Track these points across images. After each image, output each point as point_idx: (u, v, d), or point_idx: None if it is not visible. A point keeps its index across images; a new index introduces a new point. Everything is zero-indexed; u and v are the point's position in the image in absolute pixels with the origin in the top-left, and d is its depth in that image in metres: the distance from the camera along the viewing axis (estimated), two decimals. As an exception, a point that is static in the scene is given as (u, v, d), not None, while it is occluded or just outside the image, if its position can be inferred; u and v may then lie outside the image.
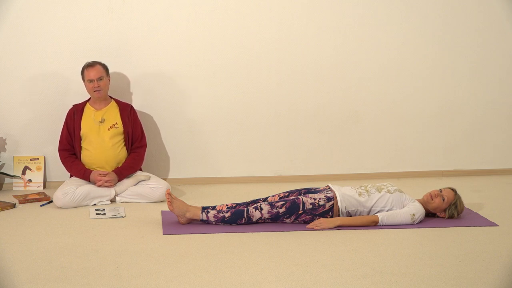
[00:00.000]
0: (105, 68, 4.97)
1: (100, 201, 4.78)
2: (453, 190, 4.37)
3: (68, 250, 3.72)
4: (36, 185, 5.28)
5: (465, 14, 5.63)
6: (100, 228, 4.17)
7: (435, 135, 5.78)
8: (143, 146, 5.10)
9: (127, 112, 5.05)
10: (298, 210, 4.20)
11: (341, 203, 4.22)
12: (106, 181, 4.79)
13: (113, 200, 4.85)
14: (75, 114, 4.99)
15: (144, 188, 4.87)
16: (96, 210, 4.59)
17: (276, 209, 4.20)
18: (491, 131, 5.83)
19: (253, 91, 5.50)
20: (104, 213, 4.50)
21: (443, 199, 4.31)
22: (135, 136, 5.06)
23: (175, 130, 5.47)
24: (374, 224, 4.18)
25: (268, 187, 5.34)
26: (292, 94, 5.54)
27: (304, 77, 5.54)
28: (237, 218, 4.19)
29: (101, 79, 4.90)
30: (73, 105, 5.05)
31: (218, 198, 5.00)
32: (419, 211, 4.24)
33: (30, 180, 5.27)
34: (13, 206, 4.70)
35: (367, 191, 4.29)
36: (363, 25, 5.53)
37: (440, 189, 4.37)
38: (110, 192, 4.81)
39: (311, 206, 4.20)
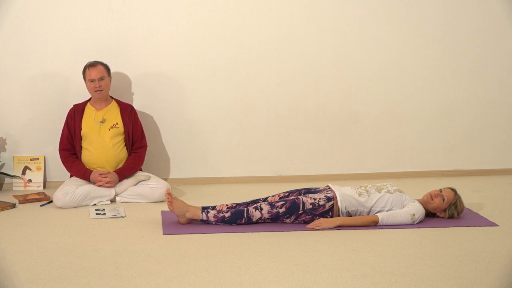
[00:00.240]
0: (107, 68, 4.97)
1: (100, 201, 4.78)
2: (453, 190, 4.37)
3: (68, 250, 3.72)
4: (36, 185, 5.28)
5: (465, 14, 5.63)
6: (100, 228, 4.17)
7: (435, 135, 5.78)
8: (144, 146, 5.10)
9: (128, 113, 5.05)
10: (298, 210, 4.20)
11: (341, 203, 4.22)
12: (106, 182, 4.79)
13: (113, 200, 4.85)
14: (76, 114, 4.99)
15: (144, 188, 4.87)
16: (96, 210, 4.59)
17: (276, 209, 4.20)
18: (491, 131, 5.83)
19: (253, 91, 5.50)
20: (104, 213, 4.50)
21: (443, 199, 4.31)
22: (136, 137, 5.07)
23: (175, 130, 5.47)
24: (374, 224, 4.18)
25: (268, 187, 5.34)
26: (292, 94, 5.54)
27: (304, 77, 5.54)
28: (237, 218, 4.19)
29: (102, 79, 4.90)
30: (74, 105, 5.05)
31: (218, 198, 5.00)
32: (419, 211, 4.24)
33: (30, 180, 5.27)
34: (13, 206, 4.70)
35: (367, 191, 4.29)
36: (363, 25, 5.53)
37: (440, 189, 4.37)
38: (110, 192, 4.81)
39: (311, 206, 4.20)
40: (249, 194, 5.07)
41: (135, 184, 4.91)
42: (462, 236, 4.02)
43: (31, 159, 5.29)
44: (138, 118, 5.12)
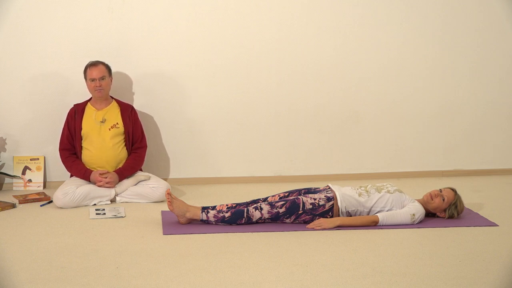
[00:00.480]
0: (108, 68, 4.97)
1: (100, 201, 4.78)
2: (453, 190, 4.37)
3: (68, 250, 3.72)
4: (36, 185, 5.28)
5: (465, 14, 5.63)
6: (100, 228, 4.17)
7: (435, 135, 5.78)
8: (144, 146, 5.10)
9: (128, 113, 5.05)
10: (298, 210, 4.20)
11: (341, 203, 4.22)
12: (107, 182, 4.79)
13: (113, 200, 4.85)
14: (76, 113, 4.99)
15: (144, 188, 4.87)
16: (96, 210, 4.59)
17: (276, 209, 4.20)
18: (491, 131, 5.83)
19: (253, 91, 5.50)
20: (104, 213, 4.50)
21: (443, 199, 4.31)
22: (136, 137, 5.07)
23: (175, 130, 5.47)
24: (374, 224, 4.18)
25: (268, 187, 5.34)
26: (292, 94, 5.54)
27: (304, 77, 5.54)
28: (237, 218, 4.19)
29: (103, 79, 4.91)
30: (74, 105, 5.05)
31: (218, 198, 5.00)
32: (419, 211, 4.24)
33: (30, 180, 5.27)
34: (13, 206, 4.70)
35: (367, 191, 4.29)
36: (363, 25, 5.53)
37: (440, 189, 4.37)
38: (110, 192, 4.81)
39: (311, 206, 4.20)
40: (249, 194, 5.07)
41: (135, 184, 4.91)
42: (462, 236, 4.02)
43: (31, 159, 5.29)
44: (138, 118, 5.12)
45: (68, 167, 4.97)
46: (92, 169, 4.90)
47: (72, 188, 4.70)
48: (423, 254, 3.68)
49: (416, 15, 5.58)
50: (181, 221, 4.23)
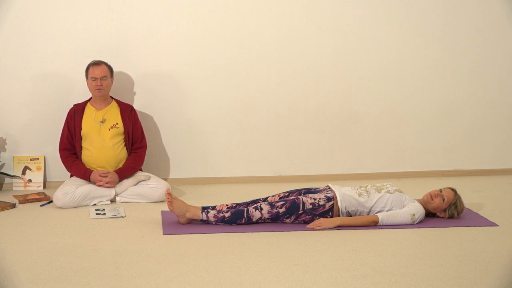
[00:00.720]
0: (110, 69, 4.98)
1: (100, 201, 4.78)
2: (453, 190, 4.37)
3: (68, 250, 3.72)
4: (36, 185, 5.28)
5: (465, 14, 5.63)
6: (100, 228, 4.17)
7: (435, 135, 5.78)
8: (144, 146, 5.10)
9: (128, 113, 5.05)
10: (298, 210, 4.20)
11: (341, 203, 4.22)
12: (107, 182, 4.79)
13: (113, 200, 4.85)
14: (76, 113, 4.99)
15: (144, 188, 4.87)
16: (96, 210, 4.59)
17: (276, 209, 4.20)
18: (491, 131, 5.84)
19: (253, 91, 5.50)
20: (104, 213, 4.50)
21: (443, 199, 4.31)
22: (136, 137, 5.07)
23: (175, 130, 5.47)
24: (374, 224, 4.18)
25: (268, 187, 5.34)
26: (292, 94, 5.54)
27: (304, 77, 5.54)
28: (237, 218, 4.19)
29: (104, 79, 4.91)
30: (74, 105, 5.05)
31: (218, 198, 5.00)
32: (419, 211, 4.24)
33: (30, 180, 5.27)
34: (13, 206, 4.70)
35: (367, 191, 4.29)
36: (363, 25, 5.53)
37: (440, 189, 4.37)
38: (110, 192, 4.81)
39: (311, 206, 4.20)
40: (249, 194, 5.07)
41: (135, 184, 4.91)
42: (462, 236, 4.02)
43: (31, 159, 5.29)
44: (138, 118, 5.12)
45: (68, 167, 4.97)
46: (92, 169, 4.90)
47: (72, 188, 4.70)
48: (423, 254, 3.68)
49: (416, 15, 5.58)
50: (181, 221, 4.23)
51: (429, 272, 3.40)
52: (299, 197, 4.25)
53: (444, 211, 4.35)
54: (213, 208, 4.26)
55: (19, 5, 5.11)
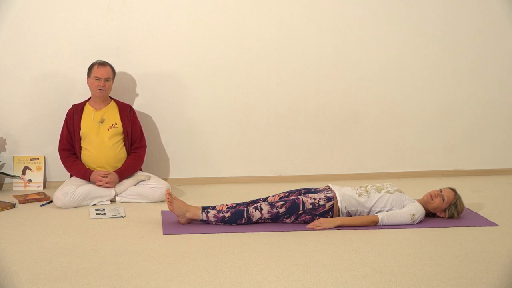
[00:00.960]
0: (114, 71, 4.99)
1: (100, 201, 4.78)
2: (453, 190, 4.37)
3: (68, 250, 3.72)
4: (36, 185, 5.28)
5: (465, 14, 5.63)
6: (100, 228, 4.17)
7: (435, 135, 5.78)
8: (143, 146, 5.10)
9: (127, 113, 5.05)
10: (298, 210, 4.20)
11: (341, 203, 4.22)
12: (106, 182, 4.79)
13: (113, 200, 4.85)
14: (75, 114, 4.99)
15: (144, 188, 4.87)
16: (96, 210, 4.59)
17: (276, 209, 4.20)
18: (491, 131, 5.84)
19: (253, 91, 5.50)
20: (104, 213, 4.50)
21: (443, 199, 4.31)
22: (135, 137, 5.07)
23: (175, 130, 5.47)
24: (374, 224, 4.18)
25: (268, 187, 5.34)
26: (292, 94, 5.54)
27: (304, 77, 5.54)
28: (237, 218, 4.19)
29: (107, 80, 4.92)
30: (73, 105, 5.05)
31: (218, 198, 5.00)
32: (419, 211, 4.24)
33: (30, 180, 5.27)
34: (13, 206, 4.70)
35: (367, 191, 4.29)
36: (363, 25, 5.53)
37: (440, 189, 4.37)
38: (110, 192, 4.81)
39: (311, 206, 4.20)
40: (249, 194, 5.07)
41: (135, 184, 4.91)
42: (462, 236, 4.02)
43: (31, 159, 5.29)
44: (137, 118, 5.12)
45: (68, 167, 4.98)
46: (92, 169, 4.90)
47: (72, 188, 4.70)
48: (423, 254, 3.68)
49: (416, 15, 5.58)
50: (181, 221, 4.23)
51: (429, 272, 3.40)
52: (299, 197, 4.25)
53: (444, 211, 4.35)
54: (213, 208, 4.26)
55: (19, 5, 5.11)
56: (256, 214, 4.20)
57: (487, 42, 5.69)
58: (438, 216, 4.39)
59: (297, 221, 4.24)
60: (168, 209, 4.46)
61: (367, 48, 5.57)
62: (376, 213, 4.25)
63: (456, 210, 4.33)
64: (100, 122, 4.97)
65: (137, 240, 3.92)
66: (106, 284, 3.22)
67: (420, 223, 4.23)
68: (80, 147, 4.97)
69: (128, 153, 5.04)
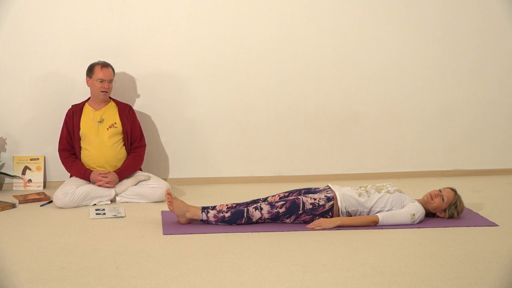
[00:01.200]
0: (114, 72, 4.99)
1: (100, 201, 4.78)
2: (453, 190, 4.37)
3: (68, 250, 3.72)
4: (36, 185, 5.28)
5: (465, 14, 5.63)
6: (100, 228, 4.17)
7: (435, 135, 5.78)
8: (143, 146, 5.10)
9: (126, 112, 5.05)
10: (298, 210, 4.20)
11: (341, 203, 4.22)
12: (107, 182, 4.79)
13: (113, 200, 4.85)
14: (74, 114, 4.99)
15: (144, 188, 4.87)
16: (96, 210, 4.59)
17: (276, 209, 4.20)
18: (491, 131, 5.84)
19: (253, 91, 5.50)
20: (104, 213, 4.50)
21: (443, 199, 4.31)
22: (134, 136, 5.07)
23: (175, 130, 5.47)
24: (374, 224, 4.18)
25: (268, 187, 5.34)
26: (292, 94, 5.54)
27: (304, 77, 5.54)
28: (237, 218, 4.19)
29: (111, 82, 4.93)
30: (72, 105, 5.05)
31: (218, 198, 5.00)
32: (419, 211, 4.24)
33: (30, 180, 5.27)
34: (13, 206, 4.70)
35: (367, 191, 4.29)
36: (363, 25, 5.53)
37: (440, 189, 4.37)
38: (110, 192, 4.81)
39: (311, 206, 4.20)
40: (249, 194, 5.07)
41: (135, 184, 4.91)
42: (462, 236, 4.02)
43: (31, 159, 5.29)
44: (136, 117, 5.12)
45: (67, 168, 4.98)
46: (92, 169, 4.90)
47: (72, 188, 4.70)
48: (423, 254, 3.68)
49: (416, 15, 5.58)
50: (181, 221, 4.23)
51: (429, 272, 3.40)
52: (299, 197, 4.25)
53: (444, 211, 4.35)
54: (213, 208, 4.26)
55: (19, 5, 5.11)
56: (256, 214, 4.20)
57: (487, 42, 5.69)
58: (438, 216, 4.39)
59: (297, 221, 4.24)
60: (168, 209, 4.46)
61: (367, 48, 5.57)
62: (376, 213, 4.25)
63: (456, 210, 4.33)
64: (100, 122, 4.97)
65: (137, 240, 3.92)
66: (106, 284, 3.22)
67: (420, 223, 4.23)
68: (80, 147, 4.97)
69: (128, 153, 5.04)
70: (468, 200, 4.80)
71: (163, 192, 4.83)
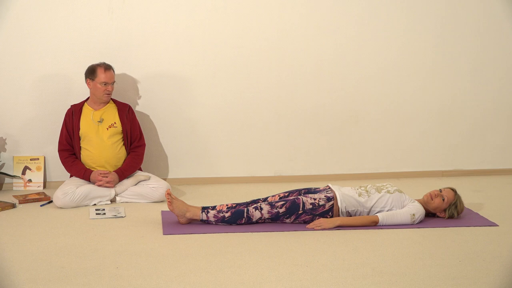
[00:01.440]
0: (114, 73, 5.00)
1: (100, 201, 4.78)
2: (453, 190, 4.37)
3: (68, 250, 3.72)
4: (36, 185, 5.28)
5: (465, 14, 5.63)
6: (100, 228, 4.17)
7: (435, 135, 5.78)
8: (142, 145, 5.10)
9: (126, 112, 5.06)
10: (298, 210, 4.20)
11: (341, 203, 4.22)
12: (107, 182, 4.79)
13: (113, 200, 4.85)
14: (74, 114, 4.99)
15: (144, 188, 4.87)
16: (96, 210, 4.59)
17: (276, 209, 4.20)
18: (491, 131, 5.84)
19: (253, 91, 5.50)
20: (104, 213, 4.50)
21: (443, 199, 4.31)
22: (134, 136, 5.07)
23: (175, 130, 5.47)
24: (374, 224, 4.18)
25: (268, 187, 5.34)
26: (292, 94, 5.54)
27: (304, 77, 5.54)
28: (237, 218, 4.19)
29: (113, 84, 4.93)
30: (71, 106, 5.05)
31: (218, 198, 5.00)
32: (419, 211, 4.24)
33: (30, 180, 5.27)
34: (13, 206, 4.70)
35: (367, 191, 4.29)
36: (363, 25, 5.53)
37: (440, 189, 4.37)
38: (110, 192, 4.81)
39: (311, 206, 4.20)
40: (249, 194, 5.07)
41: (135, 184, 4.91)
42: (462, 236, 4.02)
43: (31, 159, 5.29)
44: (135, 117, 5.12)
45: (67, 168, 4.97)
46: (92, 169, 4.90)
47: (72, 188, 4.70)
48: (423, 254, 3.69)
49: (416, 15, 5.58)
50: (181, 221, 4.23)
51: (429, 272, 3.40)
52: (299, 197, 4.25)
53: (444, 211, 4.35)
54: (213, 208, 4.26)
55: (19, 5, 5.11)
56: (256, 214, 4.20)
57: (487, 42, 5.69)
58: (438, 216, 4.39)
59: (297, 221, 4.24)
60: (168, 209, 4.46)
61: (367, 48, 5.57)
62: (376, 213, 4.25)
63: (456, 210, 4.33)
64: (99, 121, 4.97)
65: (137, 240, 3.92)
66: (106, 284, 3.22)
67: (420, 223, 4.23)
68: (80, 147, 4.97)
69: (128, 153, 5.04)
70: (468, 200, 4.80)
71: (163, 192, 4.83)
